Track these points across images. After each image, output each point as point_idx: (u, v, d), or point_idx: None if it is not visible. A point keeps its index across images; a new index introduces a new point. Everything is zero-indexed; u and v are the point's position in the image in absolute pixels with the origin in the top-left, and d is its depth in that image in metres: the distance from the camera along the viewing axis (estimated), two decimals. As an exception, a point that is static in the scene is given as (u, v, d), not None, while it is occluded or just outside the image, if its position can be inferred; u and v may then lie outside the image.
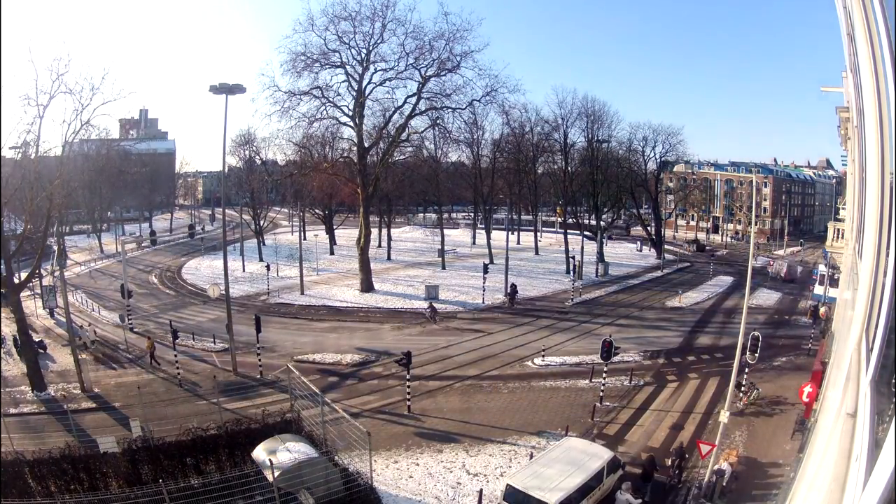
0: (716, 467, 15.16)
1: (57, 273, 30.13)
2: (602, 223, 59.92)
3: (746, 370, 21.44)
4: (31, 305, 35.42)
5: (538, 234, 67.95)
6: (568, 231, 57.73)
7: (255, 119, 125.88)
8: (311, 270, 49.24)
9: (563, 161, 59.74)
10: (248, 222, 59.15)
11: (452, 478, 16.35)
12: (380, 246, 62.52)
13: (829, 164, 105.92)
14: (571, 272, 46.81)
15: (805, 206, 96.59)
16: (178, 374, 24.67)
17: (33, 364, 23.55)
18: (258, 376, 24.82)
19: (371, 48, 39.93)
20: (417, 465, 17.15)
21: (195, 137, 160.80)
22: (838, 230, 27.01)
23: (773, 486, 15.53)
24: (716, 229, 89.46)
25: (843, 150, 26.95)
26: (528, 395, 22.98)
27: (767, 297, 43.11)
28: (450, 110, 43.08)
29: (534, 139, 61.19)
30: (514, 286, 39.80)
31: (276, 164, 68.33)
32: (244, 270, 50.71)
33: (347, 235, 67.64)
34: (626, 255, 65.71)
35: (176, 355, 25.45)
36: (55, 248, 35.58)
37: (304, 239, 56.28)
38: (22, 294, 24.95)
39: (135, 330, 31.91)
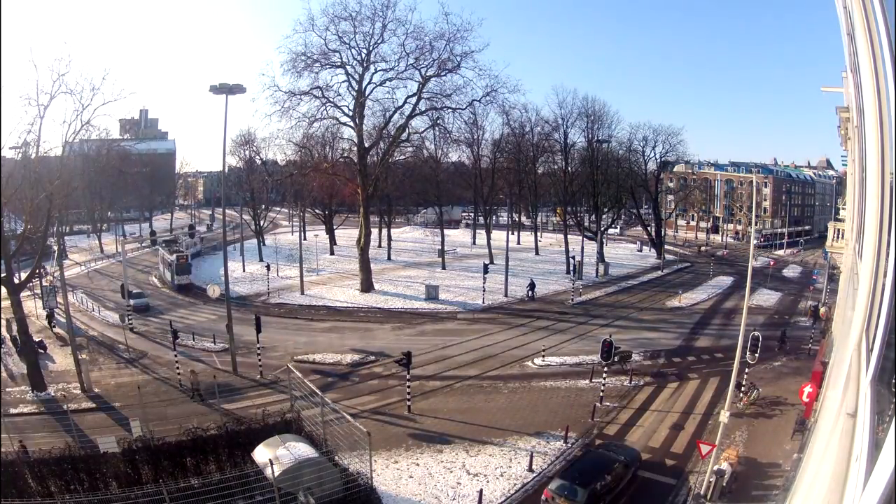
0: (716, 467, 15.15)
1: (57, 273, 30.07)
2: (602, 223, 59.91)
3: (746, 370, 21.44)
4: (31, 305, 35.40)
5: (538, 233, 67.97)
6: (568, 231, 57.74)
7: (255, 119, 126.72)
8: (311, 271, 49.20)
9: (564, 161, 59.75)
10: (248, 222, 59.08)
11: (452, 478, 16.35)
12: (380, 246, 62.45)
13: (829, 164, 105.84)
14: (571, 272, 46.81)
15: (805, 206, 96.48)
16: (179, 374, 24.66)
17: (33, 364, 23.57)
18: (258, 376, 24.81)
19: (371, 48, 40.01)
20: (417, 465, 17.15)
21: (195, 137, 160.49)
22: (838, 230, 26.96)
23: (773, 486, 15.54)
24: (716, 229, 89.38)
25: (843, 150, 26.93)
26: (527, 396, 22.98)
27: (767, 298, 43.09)
28: (450, 110, 43.15)
29: (534, 139, 61.25)
30: (532, 282, 42.08)
31: (277, 164, 68.27)
32: (244, 270, 50.67)
33: (347, 235, 67.57)
34: (626, 255, 65.67)
35: (176, 356, 25.45)
36: (55, 248, 35.49)
37: (304, 239, 56.25)
38: (22, 294, 24.93)
39: (135, 330, 31.90)
